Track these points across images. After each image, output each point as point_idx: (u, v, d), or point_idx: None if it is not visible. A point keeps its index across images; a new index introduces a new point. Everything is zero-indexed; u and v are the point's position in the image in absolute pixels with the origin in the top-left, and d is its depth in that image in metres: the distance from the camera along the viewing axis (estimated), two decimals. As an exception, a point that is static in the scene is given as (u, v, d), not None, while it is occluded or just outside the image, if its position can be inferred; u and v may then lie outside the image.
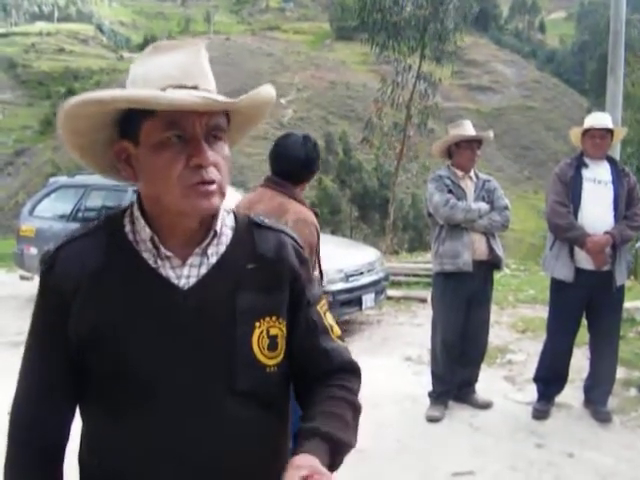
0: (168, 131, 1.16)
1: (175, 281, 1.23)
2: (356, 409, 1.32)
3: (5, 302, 8.81)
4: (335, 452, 1.21)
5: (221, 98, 1.16)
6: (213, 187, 1.18)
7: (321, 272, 2.94)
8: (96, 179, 8.88)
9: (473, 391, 4.86)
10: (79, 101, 1.14)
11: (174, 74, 1.17)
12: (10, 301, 8.85)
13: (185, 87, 1.16)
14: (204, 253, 1.26)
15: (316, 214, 2.90)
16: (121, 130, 1.22)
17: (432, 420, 4.55)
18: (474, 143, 4.63)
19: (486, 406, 4.78)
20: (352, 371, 1.37)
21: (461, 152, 4.61)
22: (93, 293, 1.21)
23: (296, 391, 1.38)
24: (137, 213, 1.26)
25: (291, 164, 2.92)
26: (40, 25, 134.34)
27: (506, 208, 4.65)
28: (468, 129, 4.64)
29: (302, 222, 2.73)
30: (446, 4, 15.55)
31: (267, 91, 1.25)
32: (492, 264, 4.67)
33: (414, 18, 15.74)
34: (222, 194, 1.22)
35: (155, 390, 1.20)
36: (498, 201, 4.65)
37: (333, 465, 1.20)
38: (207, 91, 1.18)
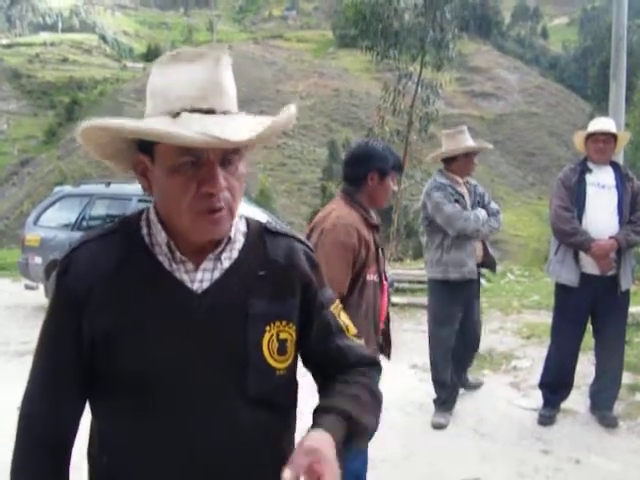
0: (182, 157, 1.16)
1: (189, 284, 1.25)
2: (374, 393, 1.34)
3: (10, 312, 8.84)
4: (353, 431, 1.23)
5: (232, 136, 1.10)
6: (222, 213, 1.20)
7: (384, 280, 2.94)
8: (100, 188, 8.93)
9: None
10: (88, 128, 1.16)
11: (190, 93, 1.16)
12: (15, 311, 8.88)
13: (200, 110, 1.15)
14: (217, 258, 1.28)
15: (367, 220, 2.86)
16: (139, 144, 1.23)
17: (438, 427, 4.54)
18: (474, 152, 4.68)
19: (477, 386, 5.12)
20: (371, 364, 1.40)
21: (465, 160, 4.62)
22: (108, 294, 1.23)
23: (318, 387, 1.40)
24: (154, 218, 1.28)
25: (344, 164, 2.97)
26: (44, 36, 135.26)
27: (498, 212, 4.76)
28: (468, 138, 4.66)
29: (340, 226, 2.74)
30: (443, 11, 15.60)
31: (284, 118, 1.21)
32: (486, 265, 4.82)
33: (413, 26, 15.79)
34: (231, 216, 1.23)
35: (166, 392, 1.22)
36: (490, 206, 4.73)
37: (350, 444, 1.22)
38: (225, 112, 1.17)
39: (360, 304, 2.80)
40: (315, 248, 2.67)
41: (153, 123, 1.14)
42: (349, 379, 1.33)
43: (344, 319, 1.42)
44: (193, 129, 1.09)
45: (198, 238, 1.23)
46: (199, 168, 1.16)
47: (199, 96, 1.16)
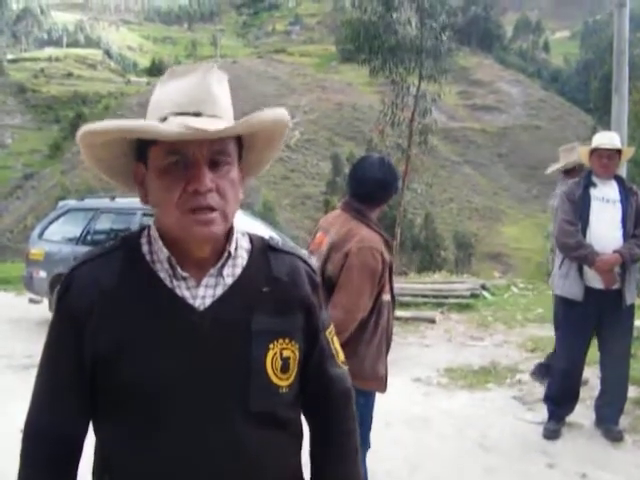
0: (169, 157, 1.19)
1: (191, 301, 1.25)
2: (356, 450, 1.44)
3: (14, 326, 8.83)
4: None
5: (208, 127, 1.13)
6: (212, 215, 1.20)
7: (393, 297, 2.99)
8: (105, 202, 8.94)
9: None
10: (84, 133, 1.19)
11: (179, 101, 1.21)
12: (19, 324, 8.87)
13: (187, 114, 1.19)
14: (219, 274, 1.28)
15: (387, 242, 2.92)
16: (137, 154, 1.27)
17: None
18: None
19: None
20: (347, 399, 1.45)
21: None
22: (109, 313, 1.23)
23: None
24: (155, 234, 1.28)
25: (367, 186, 2.92)
26: (49, 50, 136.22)
27: None
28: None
29: (366, 249, 2.77)
30: (437, 20, 15.77)
31: (267, 114, 1.24)
32: None
33: (409, 40, 15.93)
34: (225, 219, 1.23)
35: (169, 409, 1.22)
36: None
37: None
38: (212, 116, 1.20)
39: (377, 327, 2.84)
40: (338, 270, 2.75)
41: (136, 121, 1.19)
42: (335, 434, 1.41)
43: (336, 344, 1.43)
44: (172, 125, 1.14)
45: (188, 240, 1.22)
46: (187, 169, 1.19)
47: (186, 102, 1.20)
